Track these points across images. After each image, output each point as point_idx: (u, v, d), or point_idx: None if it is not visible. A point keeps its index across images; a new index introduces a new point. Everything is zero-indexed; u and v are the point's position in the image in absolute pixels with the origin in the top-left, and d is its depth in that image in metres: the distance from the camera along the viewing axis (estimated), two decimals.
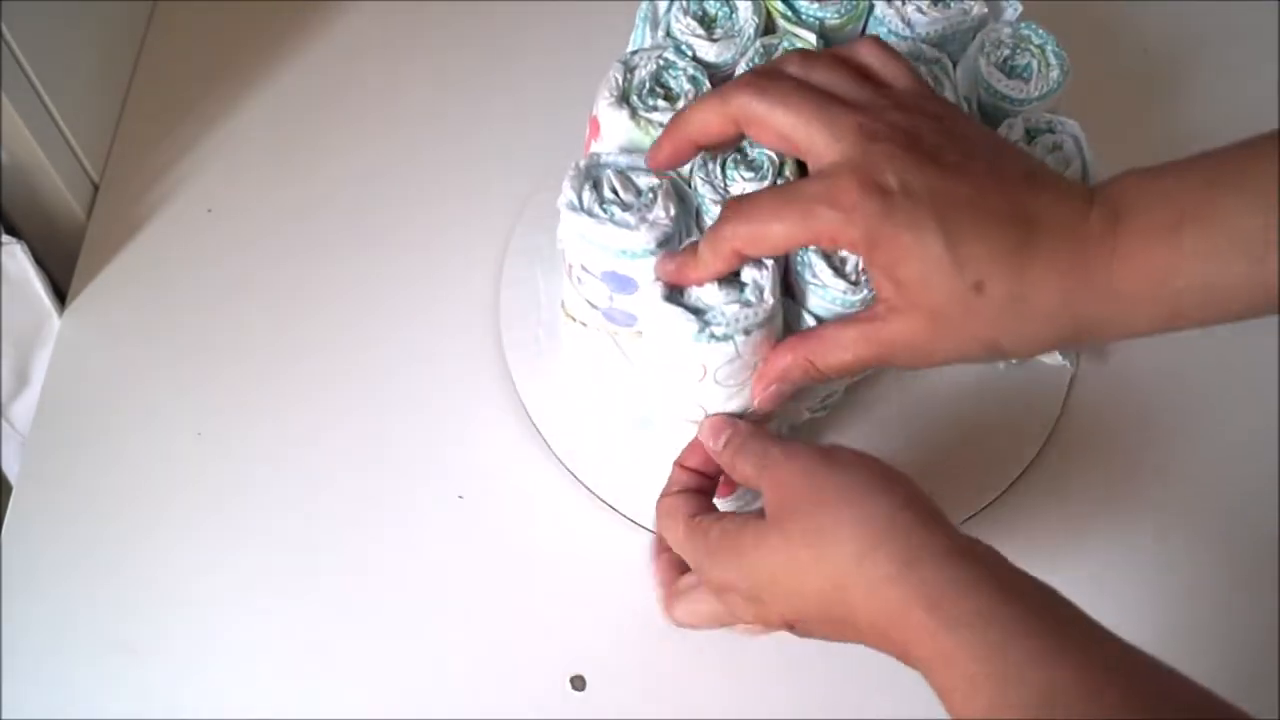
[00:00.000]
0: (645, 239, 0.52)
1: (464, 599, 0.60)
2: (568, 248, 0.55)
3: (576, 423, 0.64)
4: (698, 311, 0.50)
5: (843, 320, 0.48)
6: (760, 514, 0.47)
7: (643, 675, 0.59)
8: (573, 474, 0.63)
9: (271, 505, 0.62)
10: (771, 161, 0.54)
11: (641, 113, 0.55)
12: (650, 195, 0.53)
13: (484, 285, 0.69)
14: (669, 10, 0.59)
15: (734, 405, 0.54)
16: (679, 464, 0.53)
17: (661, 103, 0.56)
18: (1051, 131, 0.56)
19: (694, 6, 0.59)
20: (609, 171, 0.54)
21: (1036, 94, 0.57)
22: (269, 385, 0.66)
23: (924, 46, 0.58)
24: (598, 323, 0.58)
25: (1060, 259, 0.44)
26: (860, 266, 0.53)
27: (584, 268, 0.55)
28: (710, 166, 0.54)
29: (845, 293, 0.52)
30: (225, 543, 0.61)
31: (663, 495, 0.52)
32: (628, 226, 0.52)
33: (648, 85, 0.56)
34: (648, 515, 0.62)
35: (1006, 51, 0.58)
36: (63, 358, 0.67)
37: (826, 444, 0.47)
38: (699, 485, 0.53)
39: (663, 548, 0.53)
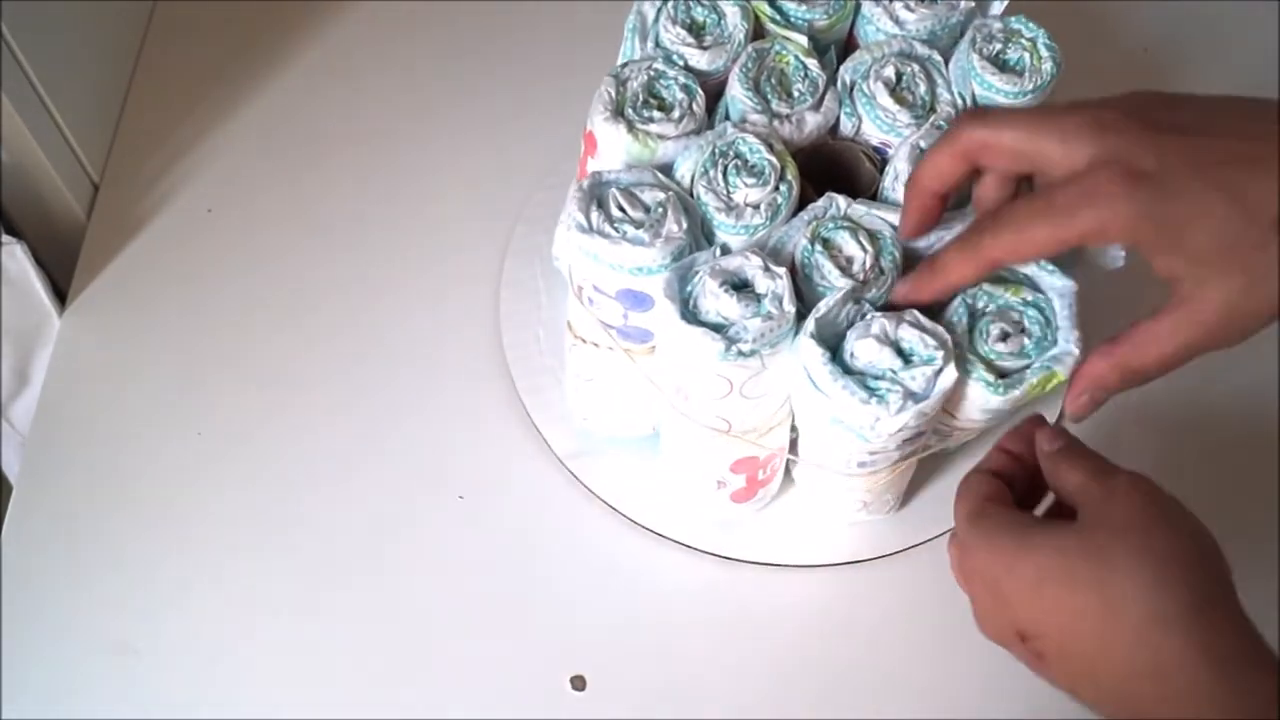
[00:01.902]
0: (660, 254, 0.51)
1: (464, 599, 0.60)
2: (576, 269, 0.55)
3: (577, 423, 0.64)
4: (719, 329, 0.50)
5: (1150, 318, 0.47)
6: (1057, 518, 0.46)
7: (643, 675, 0.59)
8: (573, 474, 0.63)
9: (271, 505, 0.62)
10: (773, 166, 0.54)
11: (639, 125, 0.55)
12: (660, 210, 0.52)
13: (484, 285, 0.69)
14: (657, 20, 0.58)
15: (759, 415, 0.54)
16: (999, 444, 0.51)
17: (656, 114, 0.55)
18: None
19: (682, 15, 0.58)
20: (613, 190, 0.53)
21: (1031, 87, 0.56)
22: (269, 385, 0.66)
23: (916, 44, 0.58)
24: (611, 341, 0.57)
25: None
26: (868, 265, 0.53)
27: (596, 288, 0.54)
28: (712, 174, 0.54)
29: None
30: (225, 543, 0.61)
31: (973, 470, 0.50)
32: (642, 244, 0.51)
33: (641, 97, 0.56)
34: (648, 515, 0.62)
35: (998, 46, 0.57)
36: (63, 358, 0.67)
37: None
38: (1009, 471, 0.50)
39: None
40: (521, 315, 0.68)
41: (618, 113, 0.55)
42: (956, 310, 0.53)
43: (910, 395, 0.50)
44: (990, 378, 0.51)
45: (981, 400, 0.52)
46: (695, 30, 0.58)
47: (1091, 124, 0.45)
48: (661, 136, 0.55)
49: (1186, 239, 0.44)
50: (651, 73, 0.56)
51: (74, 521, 0.62)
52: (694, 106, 0.56)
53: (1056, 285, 0.52)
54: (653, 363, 0.57)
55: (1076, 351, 0.51)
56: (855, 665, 0.59)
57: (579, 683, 0.58)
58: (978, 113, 0.49)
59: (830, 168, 0.58)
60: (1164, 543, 0.42)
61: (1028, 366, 0.52)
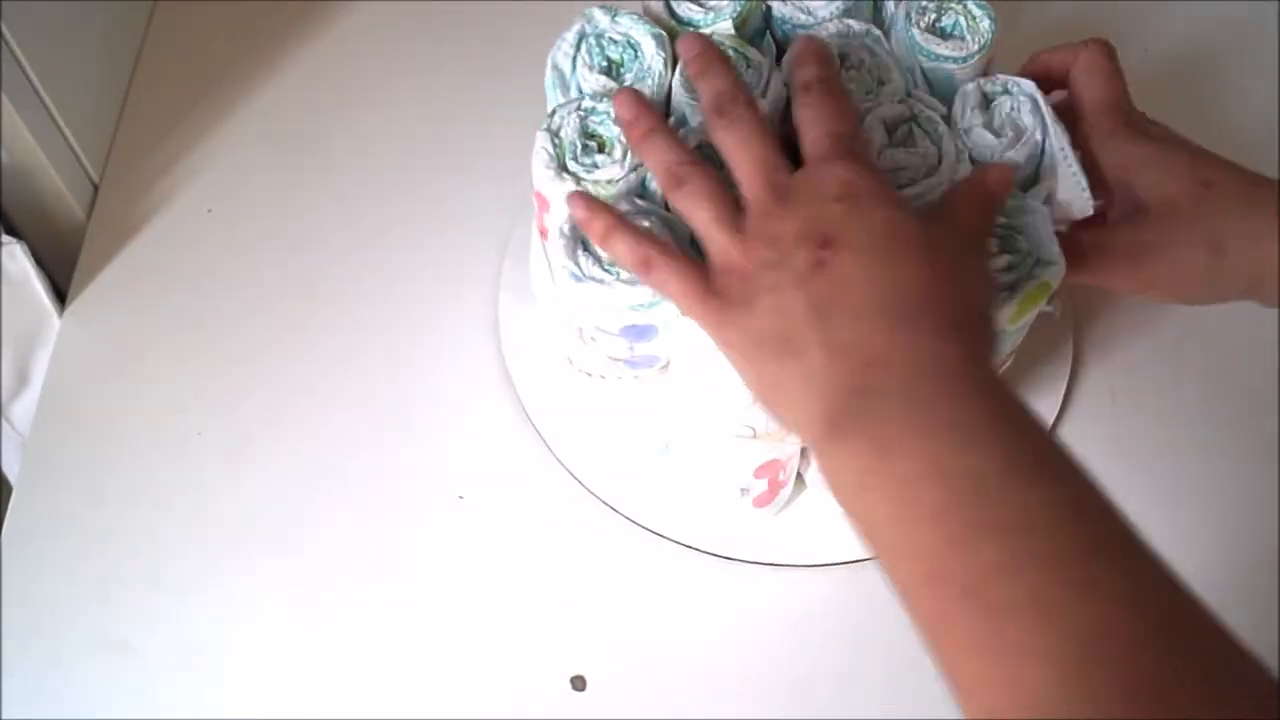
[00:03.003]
0: (645, 290, 0.51)
1: (464, 599, 0.60)
2: (574, 314, 0.54)
3: (576, 422, 0.64)
4: None
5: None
6: None
7: (643, 675, 0.59)
8: (572, 474, 0.63)
9: (271, 505, 0.62)
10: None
11: (584, 177, 0.53)
12: None
13: (484, 285, 0.69)
14: (574, 71, 0.57)
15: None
16: None
17: (599, 157, 0.53)
18: (1009, 93, 0.56)
19: (597, 59, 0.56)
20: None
21: (976, 48, 0.57)
22: (269, 385, 0.66)
23: (851, 23, 0.57)
24: (619, 372, 0.57)
25: None
26: None
27: (598, 328, 0.54)
28: None
29: None
30: (225, 542, 0.61)
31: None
32: (636, 281, 0.51)
33: (579, 144, 0.54)
34: (647, 515, 0.62)
35: (932, 15, 0.58)
36: (63, 358, 0.67)
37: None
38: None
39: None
40: (521, 316, 0.68)
41: (561, 168, 0.53)
42: None
43: None
44: None
45: None
46: (614, 71, 0.56)
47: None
48: (611, 181, 0.53)
49: None
50: (581, 113, 0.54)
51: (74, 521, 0.62)
52: None
53: (1029, 205, 0.54)
54: (667, 383, 0.56)
55: (1059, 261, 0.53)
56: (859, 666, 0.59)
57: (579, 683, 0.58)
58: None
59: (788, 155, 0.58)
60: None
61: (1019, 279, 0.53)
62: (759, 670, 0.59)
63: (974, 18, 0.57)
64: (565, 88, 0.57)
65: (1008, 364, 0.60)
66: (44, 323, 0.68)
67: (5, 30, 0.62)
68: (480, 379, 0.66)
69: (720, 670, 0.59)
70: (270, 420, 0.65)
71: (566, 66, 0.57)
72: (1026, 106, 0.56)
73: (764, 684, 0.59)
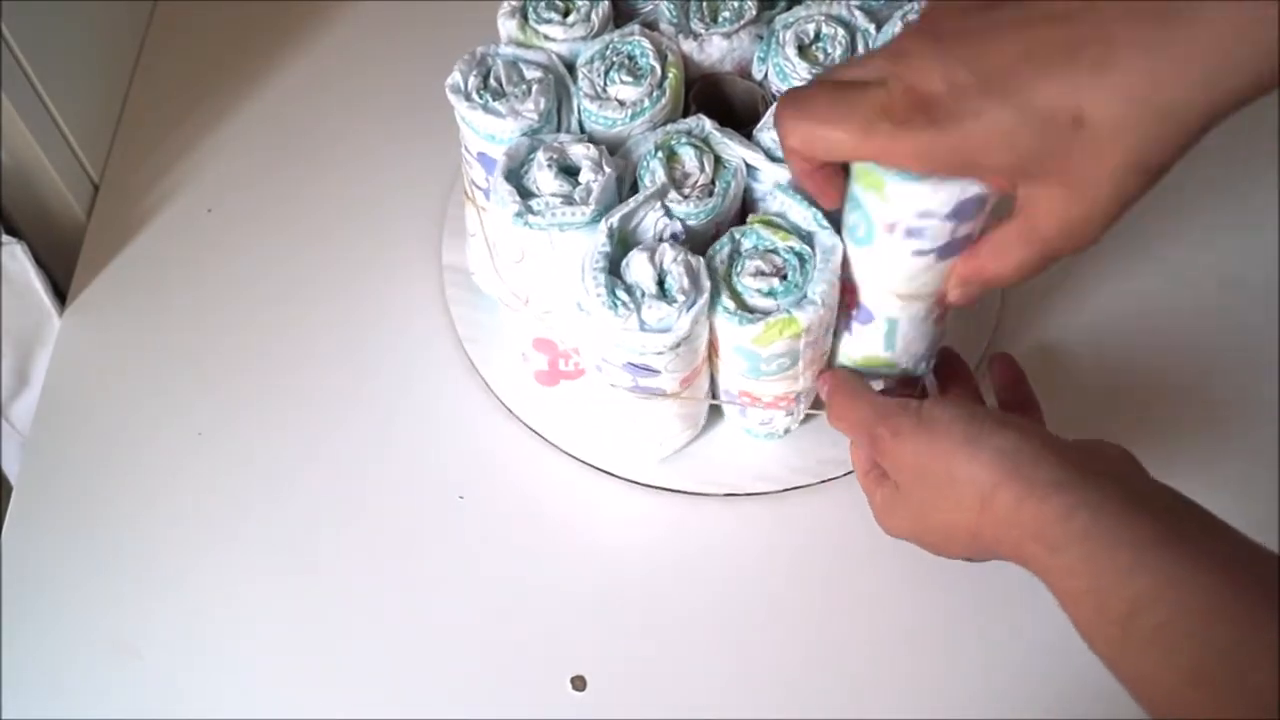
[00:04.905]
0: (511, 127, 0.54)
1: (464, 599, 0.60)
2: (461, 128, 0.57)
3: (572, 420, 0.64)
4: (526, 195, 0.53)
5: (998, 226, 0.46)
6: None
7: (643, 675, 0.59)
8: (572, 456, 0.63)
9: (272, 505, 0.62)
10: (654, 71, 0.56)
11: (531, 22, 0.57)
12: (526, 88, 0.55)
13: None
14: None
15: (553, 298, 0.56)
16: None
17: (555, 15, 0.57)
18: None
19: None
20: (499, 61, 0.56)
21: None
22: (269, 385, 0.66)
23: (858, 13, 0.59)
24: (481, 201, 0.60)
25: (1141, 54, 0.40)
26: (699, 184, 0.54)
27: (466, 148, 0.58)
28: (597, 65, 0.56)
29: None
30: (225, 543, 0.61)
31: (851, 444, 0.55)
32: (497, 114, 0.54)
33: (545, 0, 0.58)
34: (653, 476, 0.63)
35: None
36: (63, 358, 0.67)
37: (925, 404, 0.49)
38: None
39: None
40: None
41: (520, 13, 0.58)
42: (722, 243, 0.54)
43: (640, 322, 0.51)
44: (731, 306, 0.53)
45: (724, 331, 0.54)
46: None
47: (888, 59, 0.44)
48: (548, 37, 0.57)
49: (987, 159, 0.42)
50: None
51: (74, 521, 0.62)
52: (592, 15, 0.58)
53: (825, 242, 0.53)
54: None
55: (820, 303, 0.52)
56: (857, 665, 0.59)
57: (579, 683, 0.58)
58: (785, 108, 0.46)
59: (738, 107, 0.59)
60: (962, 473, 0.48)
61: (773, 309, 0.53)
62: (760, 670, 0.59)
63: None
64: None
65: (802, 380, 0.59)
66: (44, 323, 0.68)
67: (5, 30, 0.62)
68: (481, 378, 0.66)
69: (721, 670, 0.59)
70: (270, 420, 0.65)
71: None
72: None
73: (765, 683, 0.59)
